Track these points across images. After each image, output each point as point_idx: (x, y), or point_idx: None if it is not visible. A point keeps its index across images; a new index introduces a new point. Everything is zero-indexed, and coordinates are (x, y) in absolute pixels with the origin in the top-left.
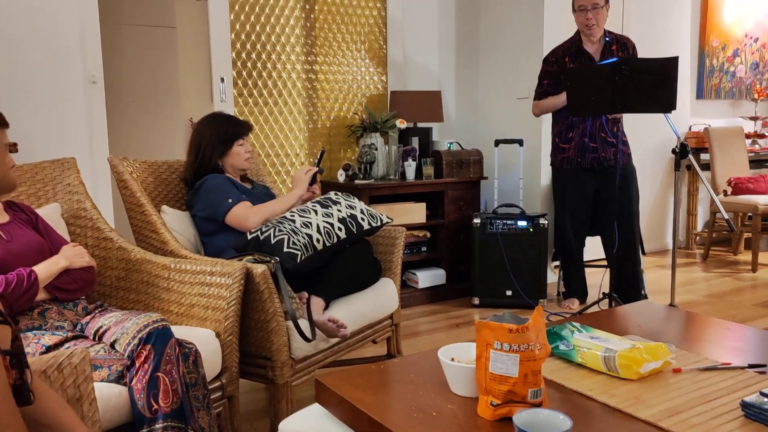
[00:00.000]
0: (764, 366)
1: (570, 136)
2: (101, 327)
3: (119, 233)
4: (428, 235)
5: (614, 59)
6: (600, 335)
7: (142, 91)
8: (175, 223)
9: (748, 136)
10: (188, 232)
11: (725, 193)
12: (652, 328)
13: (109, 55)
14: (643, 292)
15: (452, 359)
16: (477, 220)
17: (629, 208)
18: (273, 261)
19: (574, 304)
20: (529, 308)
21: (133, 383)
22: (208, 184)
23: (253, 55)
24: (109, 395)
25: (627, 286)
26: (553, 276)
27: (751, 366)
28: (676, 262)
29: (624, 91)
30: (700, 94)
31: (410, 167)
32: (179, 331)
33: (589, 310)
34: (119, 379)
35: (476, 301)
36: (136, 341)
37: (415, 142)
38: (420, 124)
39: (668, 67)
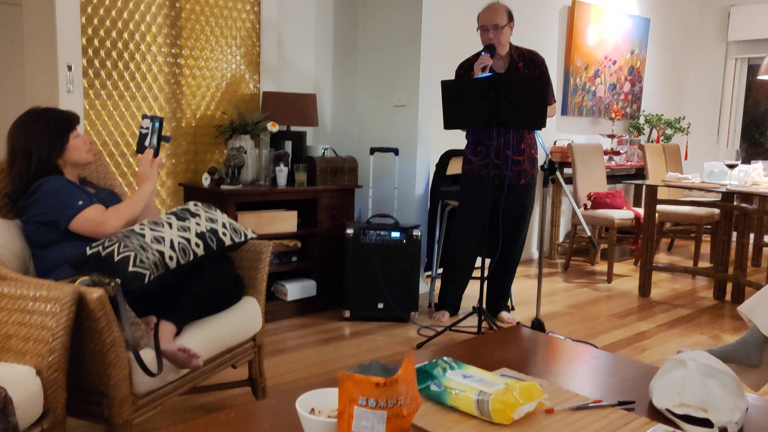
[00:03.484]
0: (632, 403)
1: (479, 149)
2: None
3: None
4: (299, 244)
5: (489, 74)
6: (473, 373)
7: None
8: None
9: (605, 152)
10: (14, 245)
11: (585, 207)
12: (523, 358)
13: None
14: (510, 304)
15: (312, 410)
16: (350, 231)
17: (520, 228)
18: (113, 284)
19: (445, 317)
20: (401, 321)
21: None
22: (49, 186)
23: (108, 43)
24: None
25: (497, 298)
26: (425, 286)
27: (620, 403)
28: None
29: (498, 105)
30: (564, 110)
31: (282, 173)
32: None
33: (460, 325)
34: None
35: (347, 314)
36: None
37: (287, 146)
38: (293, 128)
39: (540, 84)
